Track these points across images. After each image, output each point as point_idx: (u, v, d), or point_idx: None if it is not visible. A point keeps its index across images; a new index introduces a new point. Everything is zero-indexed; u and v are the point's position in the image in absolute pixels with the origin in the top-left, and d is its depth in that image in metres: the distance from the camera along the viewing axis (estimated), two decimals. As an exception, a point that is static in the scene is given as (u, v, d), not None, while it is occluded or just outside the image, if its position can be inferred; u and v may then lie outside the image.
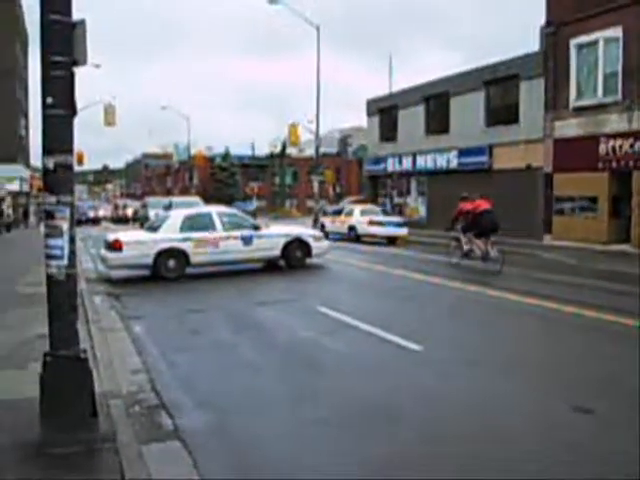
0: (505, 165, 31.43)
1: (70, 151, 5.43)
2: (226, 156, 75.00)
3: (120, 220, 57.73)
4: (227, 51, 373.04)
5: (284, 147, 74.16)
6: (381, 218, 30.86)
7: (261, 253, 18.59)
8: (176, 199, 40.94)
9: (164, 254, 16.95)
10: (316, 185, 45.67)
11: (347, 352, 9.29)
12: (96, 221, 57.09)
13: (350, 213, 31.89)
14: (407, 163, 39.24)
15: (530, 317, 11.89)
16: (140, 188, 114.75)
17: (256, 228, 18.59)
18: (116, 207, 64.83)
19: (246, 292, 14.89)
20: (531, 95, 29.99)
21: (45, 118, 5.39)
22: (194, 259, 17.42)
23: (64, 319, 5.42)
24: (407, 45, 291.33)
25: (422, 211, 38.62)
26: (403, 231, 30.53)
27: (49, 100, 5.33)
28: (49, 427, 5.39)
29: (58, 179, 5.35)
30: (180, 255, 17.16)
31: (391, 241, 29.85)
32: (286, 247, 18.76)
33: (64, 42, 5.35)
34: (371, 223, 30.07)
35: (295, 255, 18.95)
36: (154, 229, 17.85)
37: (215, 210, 19.34)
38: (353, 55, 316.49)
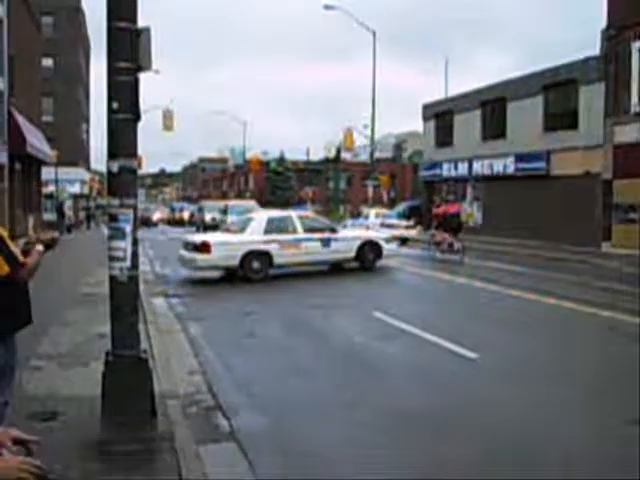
0: (563, 171, 30.81)
1: (134, 155, 5.54)
2: (281, 160, 75.44)
3: (176, 223, 58.48)
4: (283, 57, 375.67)
5: (339, 152, 74.20)
6: (393, 221, 34.13)
7: (338, 255, 19.18)
8: (231, 203, 41.31)
9: (250, 255, 17.33)
10: (371, 190, 45.57)
11: (402, 358, 9.25)
12: (148, 223, 57.50)
13: (367, 216, 35.38)
14: (463, 168, 38.84)
15: (589, 325, 11.65)
16: (196, 191, 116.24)
17: (333, 231, 19.25)
18: (173, 210, 65.74)
19: (302, 295, 14.94)
20: (591, 100, 29.36)
21: (110, 123, 5.51)
22: (277, 260, 17.84)
23: (126, 320, 5.53)
24: (463, 49, 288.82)
25: (477, 217, 38.16)
26: (412, 233, 33.37)
27: (114, 105, 5.45)
28: (110, 425, 5.49)
29: (122, 182, 5.46)
30: (264, 257, 17.56)
31: (403, 242, 30.02)
32: (360, 249, 19.30)
33: (129, 49, 5.47)
34: (382, 225, 33.02)
35: (368, 257, 19.51)
36: (237, 231, 18.20)
37: (295, 213, 20.22)
38: (409, 60, 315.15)
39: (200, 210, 46.33)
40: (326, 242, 18.70)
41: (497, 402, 7.21)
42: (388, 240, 20.59)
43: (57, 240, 5.47)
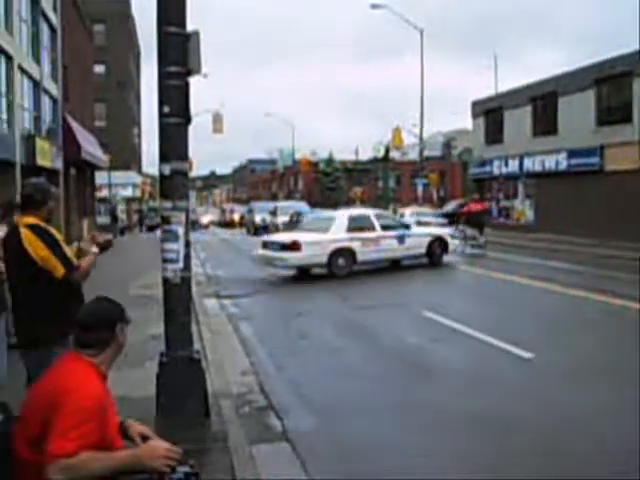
0: (618, 166, 30.08)
1: (185, 158, 5.60)
2: (330, 161, 75.55)
3: (227, 225, 59.00)
4: (331, 57, 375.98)
5: (387, 151, 73.91)
6: (428, 219, 33.41)
7: (411, 251, 19.97)
8: (281, 204, 41.52)
9: (336, 253, 18.02)
10: (420, 189, 45.29)
11: (455, 359, 9.14)
12: (194, 225, 58.03)
13: (402, 215, 34.68)
14: (514, 165, 38.28)
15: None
16: (246, 193, 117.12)
17: (406, 228, 20.23)
18: (223, 212, 66.37)
19: (352, 295, 14.92)
20: (646, 92, 28.65)
21: (161, 126, 5.59)
22: (360, 257, 18.58)
23: (179, 321, 5.60)
24: (513, 44, 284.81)
25: (529, 214, 37.58)
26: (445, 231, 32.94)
27: (165, 109, 5.52)
28: (164, 425, 5.55)
29: (173, 185, 5.53)
30: (348, 253, 18.27)
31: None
32: (430, 245, 20.15)
33: (179, 53, 5.53)
34: (418, 223, 32.68)
35: (436, 252, 20.33)
36: (321, 230, 18.72)
37: (372, 212, 21.15)
38: (457, 57, 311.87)
39: (250, 212, 46.69)
40: (401, 239, 19.47)
41: (556, 403, 7.06)
42: (453, 236, 21.72)
43: (111, 242, 5.56)
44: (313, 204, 49.13)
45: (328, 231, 18.48)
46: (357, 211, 21.58)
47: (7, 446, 3.09)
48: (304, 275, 18.56)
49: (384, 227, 19.34)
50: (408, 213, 35.63)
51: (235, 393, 7.45)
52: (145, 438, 3.43)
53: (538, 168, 35.89)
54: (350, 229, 18.58)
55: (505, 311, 13.01)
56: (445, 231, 22.21)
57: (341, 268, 18.08)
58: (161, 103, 5.55)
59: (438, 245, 20.32)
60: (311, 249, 17.75)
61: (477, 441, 6.03)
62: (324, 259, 17.95)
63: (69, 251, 4.86)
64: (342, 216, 19.49)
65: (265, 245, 19.10)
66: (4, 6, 22.65)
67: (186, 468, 3.07)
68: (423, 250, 20.04)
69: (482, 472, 5.36)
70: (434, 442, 6.05)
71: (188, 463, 3.13)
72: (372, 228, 19.04)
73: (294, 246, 17.61)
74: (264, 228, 40.13)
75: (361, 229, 18.81)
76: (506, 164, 39.08)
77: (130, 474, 3.00)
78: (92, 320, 3.35)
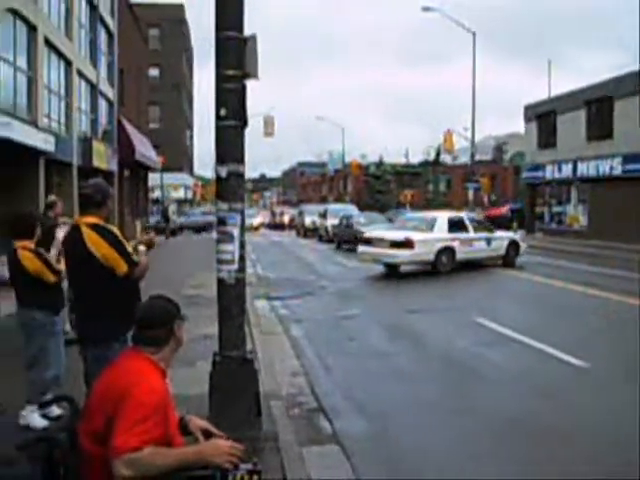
0: (676, 172, 29.36)
1: (241, 160, 5.67)
2: (380, 164, 75.31)
3: (277, 227, 59.34)
4: (382, 60, 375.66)
5: (438, 155, 73.44)
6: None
7: (494, 252, 21.28)
8: (331, 207, 41.55)
9: (442, 251, 19.26)
10: (471, 193, 44.86)
11: (507, 366, 9.04)
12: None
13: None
14: (567, 170, 37.61)
15: None
16: (296, 195, 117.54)
17: (491, 231, 21.40)
18: (273, 214, 66.78)
19: (402, 298, 14.88)
20: None
21: (218, 129, 5.66)
22: (458, 256, 19.78)
23: (233, 321, 5.66)
24: (566, 47, 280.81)
25: (583, 220, 36.87)
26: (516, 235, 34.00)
27: (222, 112, 5.59)
28: (217, 423, 5.61)
29: (230, 187, 5.60)
30: (450, 252, 19.53)
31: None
32: (507, 247, 21.50)
33: (236, 56, 5.61)
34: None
35: (511, 254, 21.64)
36: (425, 229, 19.89)
37: (465, 215, 22.65)
38: (510, 60, 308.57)
39: (300, 214, 46.85)
40: (488, 241, 20.89)
41: (612, 412, 6.93)
42: (523, 240, 23.05)
43: (153, 241, 5.63)
44: (362, 207, 49.04)
45: (432, 231, 19.74)
46: (453, 214, 22.67)
47: (75, 439, 3.19)
48: (394, 273, 19.84)
49: (475, 230, 20.68)
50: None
51: (285, 394, 7.51)
52: (206, 433, 3.50)
53: (592, 173, 35.20)
54: (450, 230, 19.89)
55: (557, 318, 12.79)
56: (517, 236, 23.45)
57: (444, 265, 19.27)
58: (218, 106, 5.63)
59: (513, 247, 21.67)
60: (421, 247, 18.91)
61: (527, 450, 5.95)
62: (432, 257, 19.13)
63: (130, 248, 4.97)
64: (442, 217, 20.73)
65: (368, 242, 20.26)
66: (65, 13, 23.24)
67: (249, 465, 3.12)
68: (503, 252, 21.38)
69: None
70: (486, 449, 6.00)
71: (251, 460, 3.17)
72: (466, 230, 20.40)
73: (407, 243, 18.77)
74: (314, 230, 40.26)
75: (458, 230, 20.12)
76: (559, 169, 38.43)
77: (193, 470, 3.06)
78: (151, 318, 3.42)
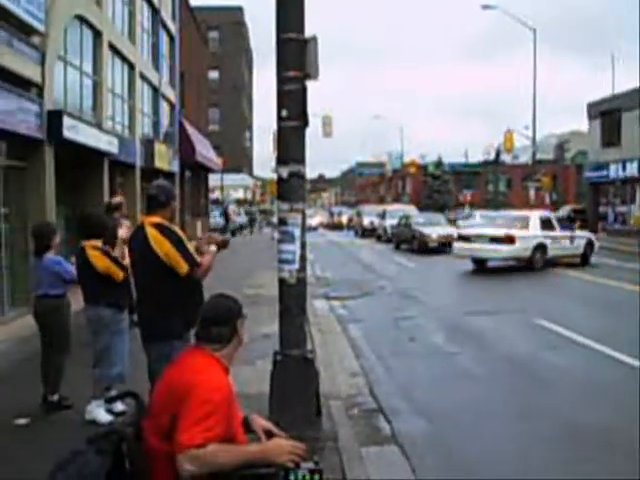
0: None
1: (302, 161, 5.70)
2: (439, 164, 74.63)
3: (335, 227, 59.46)
4: (441, 59, 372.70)
5: (498, 154, 72.35)
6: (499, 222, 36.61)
7: (576, 251, 22.08)
8: (390, 208, 41.45)
9: (537, 248, 20.21)
10: (532, 193, 44.11)
11: (571, 369, 8.85)
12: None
13: (474, 216, 38.40)
14: (632, 169, 36.58)
15: None
16: (354, 196, 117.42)
17: (572, 230, 22.57)
18: (331, 214, 66.93)
19: (462, 299, 14.74)
20: None
21: (280, 130, 5.71)
22: (549, 253, 20.76)
23: (294, 320, 5.69)
24: (629, 44, 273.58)
25: (648, 220, 35.84)
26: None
27: (283, 113, 5.63)
28: (277, 422, 5.65)
29: (291, 187, 5.64)
30: (543, 249, 20.45)
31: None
32: (585, 246, 22.32)
33: (297, 58, 5.64)
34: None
35: (588, 252, 22.45)
36: (519, 227, 20.59)
37: (552, 214, 24.31)
38: (572, 56, 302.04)
39: (358, 214, 46.86)
40: (572, 239, 21.83)
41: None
42: (596, 239, 23.75)
43: (228, 242, 5.71)
44: (420, 207, 48.74)
45: (527, 228, 20.56)
46: (542, 213, 23.76)
47: (140, 434, 3.25)
48: (481, 268, 21.06)
49: (561, 229, 21.60)
50: (478, 215, 38.26)
51: (344, 394, 7.51)
52: (268, 433, 3.53)
53: (659, 172, 34.19)
54: (542, 228, 20.78)
55: (620, 320, 12.47)
56: (592, 235, 24.25)
57: (538, 262, 20.17)
58: (279, 107, 5.67)
59: (589, 246, 22.49)
60: (521, 243, 19.84)
61: (594, 457, 5.82)
62: (529, 253, 20.07)
63: (192, 249, 5.05)
64: (535, 216, 21.67)
65: (466, 239, 21.39)
66: (128, 17, 23.72)
67: (310, 464, 3.13)
68: (582, 250, 22.14)
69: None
70: (549, 454, 5.89)
71: (312, 460, 3.19)
72: (554, 228, 21.26)
73: (509, 239, 19.76)
74: (372, 230, 40.19)
75: (548, 228, 20.98)
76: (623, 167, 37.42)
77: (256, 468, 3.09)
78: (215, 316, 3.46)
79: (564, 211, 43.37)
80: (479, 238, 20.63)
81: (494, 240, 20.00)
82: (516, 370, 8.79)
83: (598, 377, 8.42)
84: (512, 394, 7.73)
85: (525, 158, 67.28)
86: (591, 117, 42.15)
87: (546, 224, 21.21)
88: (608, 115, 39.90)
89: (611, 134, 39.57)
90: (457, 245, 21.90)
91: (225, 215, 47.36)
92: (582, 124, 44.03)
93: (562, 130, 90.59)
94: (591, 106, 42.27)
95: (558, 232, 21.33)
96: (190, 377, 3.16)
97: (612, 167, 38.53)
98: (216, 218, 47.06)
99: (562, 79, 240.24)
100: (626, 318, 12.66)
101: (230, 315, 3.49)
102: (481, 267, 21.14)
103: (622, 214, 38.65)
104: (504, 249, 19.85)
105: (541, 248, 20.38)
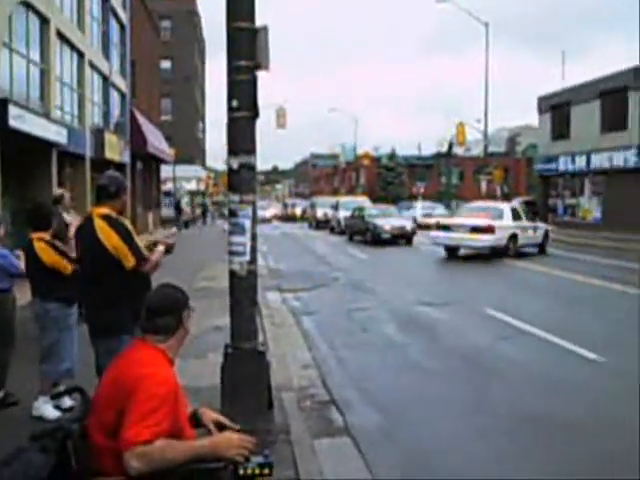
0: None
1: (253, 152, 5.63)
2: (392, 156, 75.03)
3: (289, 219, 59.45)
4: (395, 53, 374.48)
5: (450, 147, 73.05)
6: (437, 212, 39.02)
7: (537, 240, 23.95)
8: (343, 199, 41.55)
9: (511, 237, 21.80)
10: (484, 185, 44.67)
11: (521, 359, 8.98)
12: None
13: (413, 208, 42.67)
14: (581, 162, 37.36)
15: None
16: (308, 188, 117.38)
17: (535, 220, 24.53)
18: (285, 206, 66.85)
19: (414, 290, 14.82)
20: None
21: (230, 121, 5.63)
22: (519, 242, 22.27)
23: (245, 313, 5.64)
24: (580, 39, 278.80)
25: (596, 212, 36.65)
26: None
27: (234, 103, 5.56)
28: (229, 416, 5.61)
29: (241, 179, 5.57)
30: (515, 238, 22.06)
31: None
32: (543, 235, 24.38)
33: (248, 47, 5.56)
34: (425, 216, 40.32)
35: (545, 242, 24.57)
36: (494, 217, 22.07)
37: (518, 205, 26.88)
38: (524, 51, 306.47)
39: (312, 206, 46.87)
40: (535, 229, 23.73)
41: (623, 407, 6.88)
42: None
43: (173, 247, 5.58)
44: (374, 199, 48.96)
45: (502, 218, 22.04)
46: (511, 204, 26.24)
47: (85, 431, 3.18)
48: (451, 256, 22.61)
49: (525, 219, 23.28)
50: (419, 206, 43.99)
51: (297, 386, 7.49)
52: (219, 425, 3.49)
53: (606, 165, 34.96)
54: (513, 218, 22.39)
55: (567, 310, 12.74)
56: (548, 226, 26.57)
57: (511, 250, 21.74)
58: (230, 97, 5.59)
59: (546, 236, 24.66)
60: (499, 232, 21.34)
61: (537, 445, 5.91)
62: (504, 242, 21.57)
63: (140, 243, 4.97)
64: (507, 207, 23.79)
65: (446, 228, 22.63)
66: (77, 5, 23.25)
67: (260, 458, 3.10)
68: (540, 240, 24.10)
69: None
70: (497, 444, 5.97)
71: (262, 453, 3.15)
72: (522, 219, 22.97)
73: (489, 229, 21.28)
74: (326, 222, 40.25)
75: (518, 219, 22.67)
76: (573, 161, 38.17)
77: (205, 463, 3.04)
78: (160, 306, 3.40)
79: (516, 203, 44.02)
80: (460, 228, 21.91)
81: (475, 230, 21.34)
82: (467, 361, 8.86)
83: (548, 368, 8.54)
84: (463, 385, 7.79)
85: (477, 151, 68.12)
86: (541, 111, 42.84)
87: (516, 215, 22.75)
88: (558, 109, 40.60)
89: (561, 127, 40.29)
90: (435, 234, 23.19)
91: (177, 208, 46.98)
92: (533, 118, 44.72)
93: (514, 124, 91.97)
94: (541, 100, 42.94)
95: (525, 222, 23.00)
96: (135, 371, 3.09)
97: (562, 160, 39.26)
98: (169, 210, 46.77)
99: (515, 74, 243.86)
100: (571, 307, 12.93)
101: (176, 305, 3.42)
102: (453, 255, 22.64)
103: (571, 206, 39.43)
104: (484, 238, 21.20)
105: (514, 237, 21.91)
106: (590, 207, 37.40)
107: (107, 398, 3.14)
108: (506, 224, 21.81)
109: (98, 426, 3.10)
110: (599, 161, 35.52)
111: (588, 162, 36.56)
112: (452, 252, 22.65)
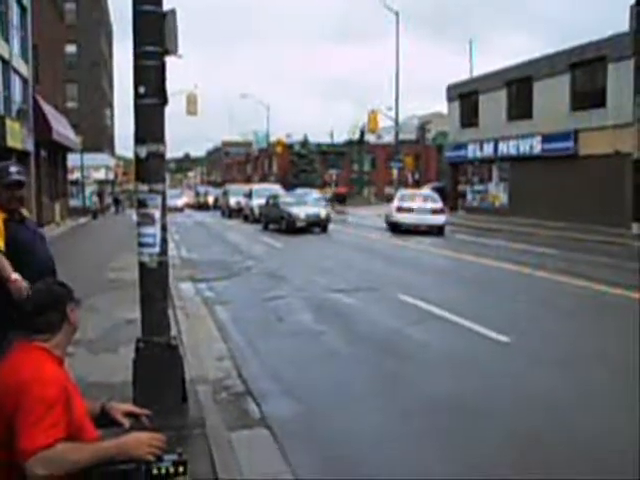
0: (592, 151, 30.33)
1: (161, 140, 5.46)
2: (305, 143, 75.26)
3: (201, 207, 58.82)
4: (307, 40, 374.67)
5: (362, 134, 73.82)
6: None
7: (435, 221, 27.72)
8: (256, 187, 41.33)
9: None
10: (395, 172, 45.33)
11: (432, 343, 9.16)
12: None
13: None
14: (489, 149, 38.42)
15: (621, 307, 11.46)
16: (220, 176, 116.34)
17: (434, 202, 28.64)
18: (198, 194, 66.05)
19: (328, 278, 14.86)
20: (619, 77, 28.84)
21: (137, 107, 5.44)
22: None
23: (156, 306, 5.48)
24: (489, 29, 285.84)
25: (504, 198, 37.80)
26: None
27: (141, 90, 5.37)
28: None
29: (150, 168, 5.39)
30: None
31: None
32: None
33: (155, 32, 5.38)
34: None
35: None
36: (427, 201, 28.52)
37: (418, 191, 33.41)
38: (433, 40, 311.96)
39: (225, 194, 46.44)
40: (430, 212, 27.61)
41: (532, 387, 7.11)
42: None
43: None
44: (287, 186, 48.97)
45: (438, 202, 28.25)
46: (410, 191, 32.59)
47: None
48: (398, 231, 27.72)
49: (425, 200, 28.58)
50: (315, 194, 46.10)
51: (212, 379, 7.36)
52: (131, 415, 3.36)
53: (513, 152, 36.08)
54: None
55: (478, 293, 13.08)
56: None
57: (444, 229, 27.63)
58: (137, 84, 5.40)
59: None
60: (416, 213, 27.39)
61: (448, 426, 6.03)
62: (442, 221, 27.64)
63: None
64: (435, 192, 31.65)
65: (410, 210, 27.65)
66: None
67: (174, 456, 2.99)
68: (439, 221, 27.87)
69: (452, 459, 5.37)
70: (412, 427, 6.05)
71: (176, 451, 3.05)
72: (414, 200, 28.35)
73: (442, 211, 27.98)
74: (239, 211, 39.91)
75: (408, 200, 28.37)
76: (481, 148, 39.21)
77: (115, 464, 2.91)
78: (40, 304, 3.20)
79: (426, 189, 44.88)
80: (422, 211, 27.45)
81: (434, 212, 27.45)
82: (380, 347, 8.95)
83: (460, 349, 8.72)
84: (377, 370, 7.87)
85: (389, 138, 69.04)
86: (450, 99, 43.76)
87: (410, 197, 28.83)
88: (466, 97, 41.57)
89: (469, 116, 41.30)
90: (400, 215, 27.84)
91: (100, 197, 46.78)
92: (443, 106, 45.60)
93: (424, 111, 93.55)
94: (450, 88, 43.85)
95: (417, 204, 28.12)
96: (20, 377, 2.88)
97: (470, 147, 40.27)
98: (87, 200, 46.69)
99: (426, 62, 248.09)
100: (481, 291, 13.28)
101: (57, 301, 3.22)
102: (397, 230, 27.78)
103: (480, 192, 40.50)
104: (440, 217, 27.44)
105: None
106: (497, 193, 38.52)
107: None
108: (442, 206, 28.10)
109: None
110: (506, 148, 36.62)
111: (496, 149, 37.62)
112: (395, 228, 28.06)
